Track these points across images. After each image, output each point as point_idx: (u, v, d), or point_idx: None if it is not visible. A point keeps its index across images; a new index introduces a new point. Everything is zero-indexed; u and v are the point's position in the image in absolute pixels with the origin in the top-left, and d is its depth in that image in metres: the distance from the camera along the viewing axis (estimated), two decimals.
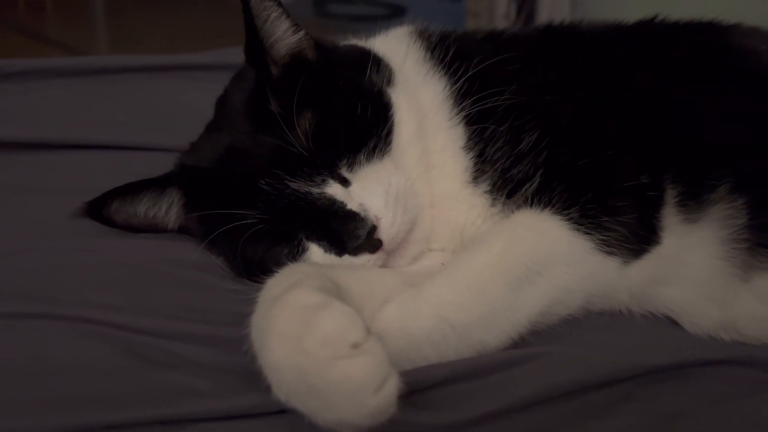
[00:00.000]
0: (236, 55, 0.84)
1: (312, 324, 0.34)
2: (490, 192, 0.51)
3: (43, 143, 0.71)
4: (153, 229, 0.54)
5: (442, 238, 0.52)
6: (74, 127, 0.74)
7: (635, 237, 0.49)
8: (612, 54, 0.60)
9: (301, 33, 0.53)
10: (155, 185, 0.53)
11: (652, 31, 0.65)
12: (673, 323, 0.52)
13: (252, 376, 0.38)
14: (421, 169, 0.51)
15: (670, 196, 0.50)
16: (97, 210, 0.51)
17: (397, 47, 0.57)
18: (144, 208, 0.53)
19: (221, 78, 0.80)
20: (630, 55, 0.59)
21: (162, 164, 0.61)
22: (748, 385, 0.47)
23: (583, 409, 0.43)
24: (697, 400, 0.45)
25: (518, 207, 0.50)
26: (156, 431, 0.40)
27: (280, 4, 0.52)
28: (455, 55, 0.54)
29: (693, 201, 0.50)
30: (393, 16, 2.51)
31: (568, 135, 0.50)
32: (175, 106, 0.83)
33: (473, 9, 2.24)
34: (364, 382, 0.33)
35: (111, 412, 0.40)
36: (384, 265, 0.49)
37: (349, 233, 0.46)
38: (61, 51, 2.56)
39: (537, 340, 0.46)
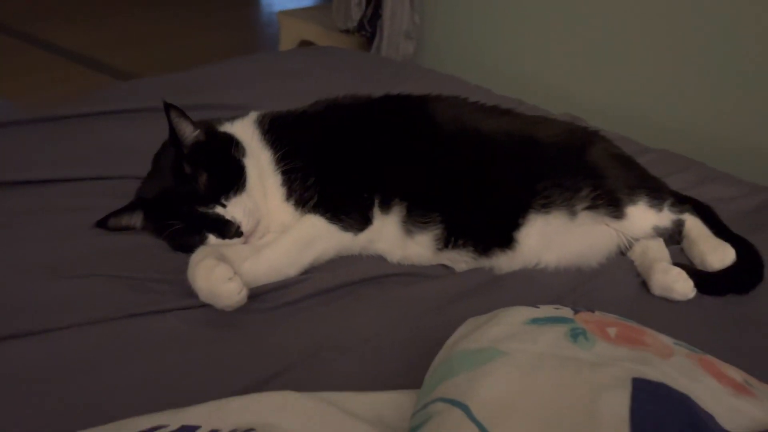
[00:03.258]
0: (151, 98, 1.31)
1: (212, 272, 0.90)
2: (295, 205, 1.07)
3: (32, 180, 1.18)
4: (129, 229, 1.07)
5: (275, 227, 1.08)
6: (52, 165, 1.22)
7: (359, 223, 1.07)
8: (359, 125, 1.17)
9: (198, 130, 1.05)
10: (128, 209, 1.05)
11: (385, 105, 1.22)
12: (383, 258, 1.13)
13: (190, 291, 0.94)
14: (261, 196, 1.06)
15: (377, 202, 1.10)
16: (102, 224, 1.04)
17: (247, 131, 1.11)
18: (125, 221, 1.05)
19: (147, 117, 1.30)
20: (368, 124, 1.16)
21: (120, 189, 1.13)
22: (408, 282, 1.08)
23: (335, 299, 1.01)
24: (375, 288, 1.05)
25: (307, 212, 1.07)
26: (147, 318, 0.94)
27: (187, 117, 1.04)
28: (275, 139, 1.09)
29: (385, 205, 1.09)
30: None
31: (329, 178, 1.08)
32: (116, 144, 1.31)
33: None
34: (233, 290, 0.89)
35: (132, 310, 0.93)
36: (245, 242, 1.04)
37: (227, 230, 1.01)
38: None
39: (315, 270, 1.05)
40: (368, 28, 2.69)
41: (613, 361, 0.67)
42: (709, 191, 1.42)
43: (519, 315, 0.76)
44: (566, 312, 0.78)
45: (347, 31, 2.73)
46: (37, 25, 3.65)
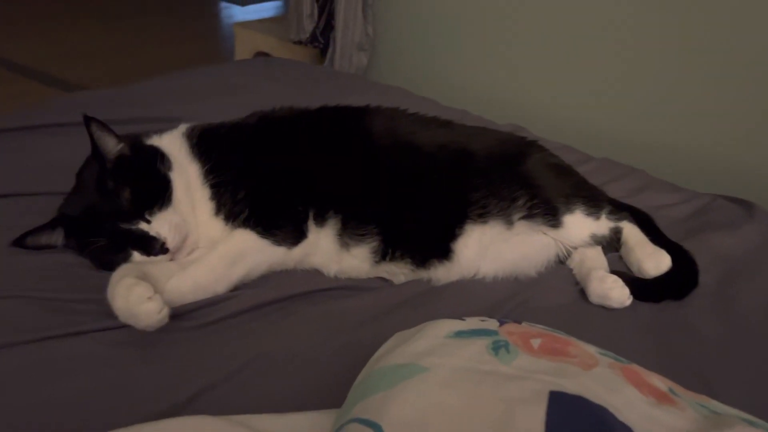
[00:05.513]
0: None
1: (131, 291, 0.86)
2: (225, 219, 1.04)
3: None
4: (50, 247, 1.02)
5: (204, 243, 1.05)
6: None
7: (292, 237, 1.04)
8: (293, 136, 1.15)
9: (122, 144, 1.02)
10: (49, 227, 1.00)
11: (321, 116, 1.20)
12: (318, 272, 1.10)
13: (110, 312, 0.89)
14: (189, 210, 1.03)
15: (311, 216, 1.07)
16: (19, 242, 0.99)
17: (175, 143, 1.08)
18: (44, 239, 1.01)
19: (76, 131, 1.24)
20: (302, 136, 1.15)
21: (43, 207, 1.07)
22: (342, 295, 1.06)
23: (265, 315, 0.99)
24: (308, 303, 1.02)
25: (238, 226, 1.04)
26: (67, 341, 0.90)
27: (110, 131, 1.00)
28: (204, 151, 1.06)
29: (320, 218, 1.07)
30: None
31: (261, 191, 1.05)
32: (42, 159, 1.26)
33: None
34: (152, 310, 0.85)
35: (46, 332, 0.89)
36: (172, 259, 1.00)
37: (151, 246, 0.97)
38: None
39: (245, 286, 1.02)
40: (321, 40, 2.68)
41: (532, 374, 0.66)
42: (648, 198, 1.44)
43: (443, 328, 0.75)
44: (491, 324, 0.77)
45: (300, 43, 2.72)
46: None
